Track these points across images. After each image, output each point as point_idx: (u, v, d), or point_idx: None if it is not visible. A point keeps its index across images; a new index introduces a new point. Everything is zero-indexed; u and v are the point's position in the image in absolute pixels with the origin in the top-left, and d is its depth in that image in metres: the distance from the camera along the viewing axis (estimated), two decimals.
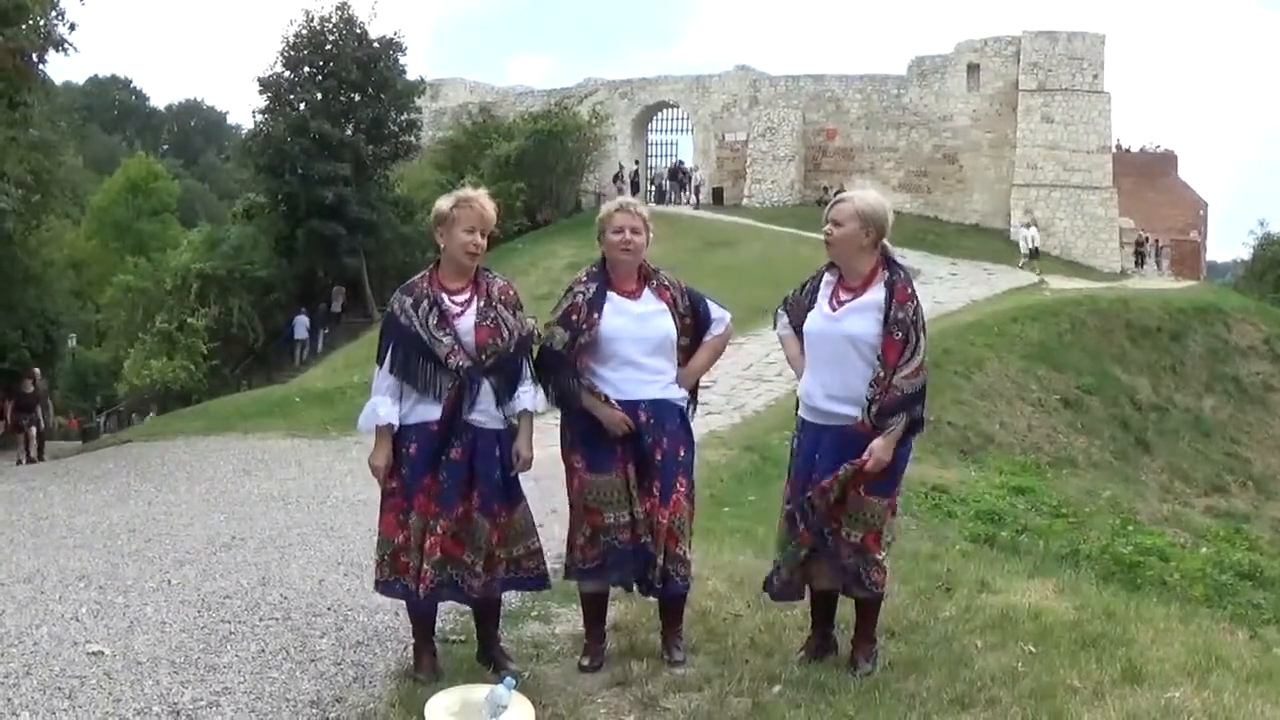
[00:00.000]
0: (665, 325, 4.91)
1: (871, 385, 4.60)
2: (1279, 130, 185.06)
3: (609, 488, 4.79)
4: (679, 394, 4.96)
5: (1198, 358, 25.72)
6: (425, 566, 4.60)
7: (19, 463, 20.40)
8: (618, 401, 4.79)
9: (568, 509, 5.03)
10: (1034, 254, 34.76)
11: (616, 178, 43.31)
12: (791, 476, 4.87)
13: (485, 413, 4.70)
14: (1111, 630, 5.18)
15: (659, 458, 4.81)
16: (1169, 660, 4.72)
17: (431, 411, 4.66)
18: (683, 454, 4.90)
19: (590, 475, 4.82)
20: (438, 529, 4.62)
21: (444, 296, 4.74)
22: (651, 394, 4.85)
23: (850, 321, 4.68)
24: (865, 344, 4.64)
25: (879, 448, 4.57)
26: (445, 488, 4.65)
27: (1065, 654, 4.79)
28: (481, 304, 4.76)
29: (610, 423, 4.75)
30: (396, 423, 4.68)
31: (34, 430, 22.24)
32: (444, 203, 4.80)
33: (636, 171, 45.12)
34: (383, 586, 4.80)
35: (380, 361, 4.73)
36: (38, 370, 25.32)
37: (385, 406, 4.67)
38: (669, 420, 4.87)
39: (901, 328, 4.61)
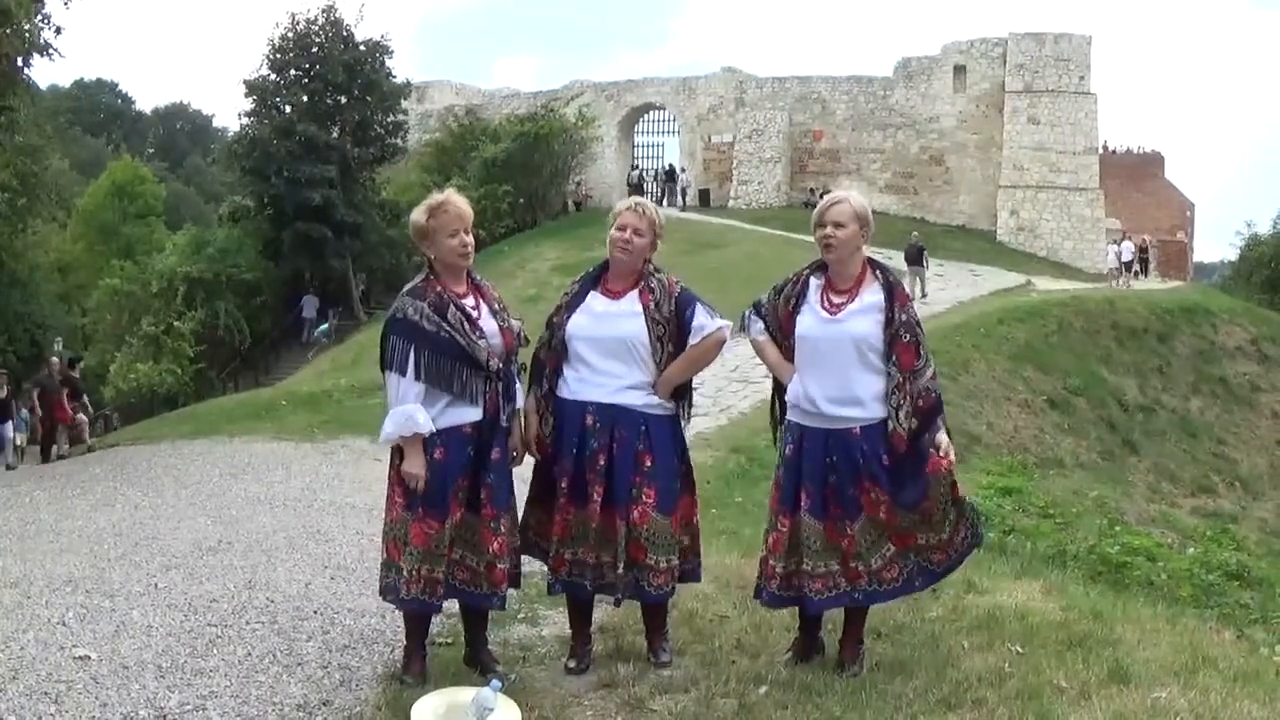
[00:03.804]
0: (628, 328, 4.77)
1: (894, 392, 4.59)
2: (1267, 130, 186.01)
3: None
4: (644, 400, 4.78)
5: (1184, 358, 25.78)
6: (499, 565, 4.64)
7: (59, 458, 17.86)
8: (568, 401, 4.79)
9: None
10: (1128, 267, 34.80)
11: (631, 182, 43.89)
12: (801, 481, 4.72)
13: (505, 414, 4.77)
14: (1098, 630, 5.18)
15: (602, 462, 4.71)
16: (1156, 660, 4.73)
17: (465, 415, 4.65)
18: (650, 462, 4.74)
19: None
20: (501, 529, 4.67)
21: (461, 302, 4.72)
22: (599, 397, 4.75)
23: (854, 323, 4.66)
24: (868, 345, 4.63)
25: (945, 443, 4.59)
26: (497, 489, 4.68)
27: (1052, 654, 4.80)
28: (490, 307, 4.78)
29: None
30: (433, 429, 4.62)
31: (81, 416, 19.32)
32: (419, 216, 4.75)
33: (643, 175, 45.57)
34: (414, 604, 4.65)
35: (396, 368, 4.62)
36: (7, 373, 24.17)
37: (423, 414, 4.58)
38: (623, 426, 4.73)
39: (909, 330, 4.64)
